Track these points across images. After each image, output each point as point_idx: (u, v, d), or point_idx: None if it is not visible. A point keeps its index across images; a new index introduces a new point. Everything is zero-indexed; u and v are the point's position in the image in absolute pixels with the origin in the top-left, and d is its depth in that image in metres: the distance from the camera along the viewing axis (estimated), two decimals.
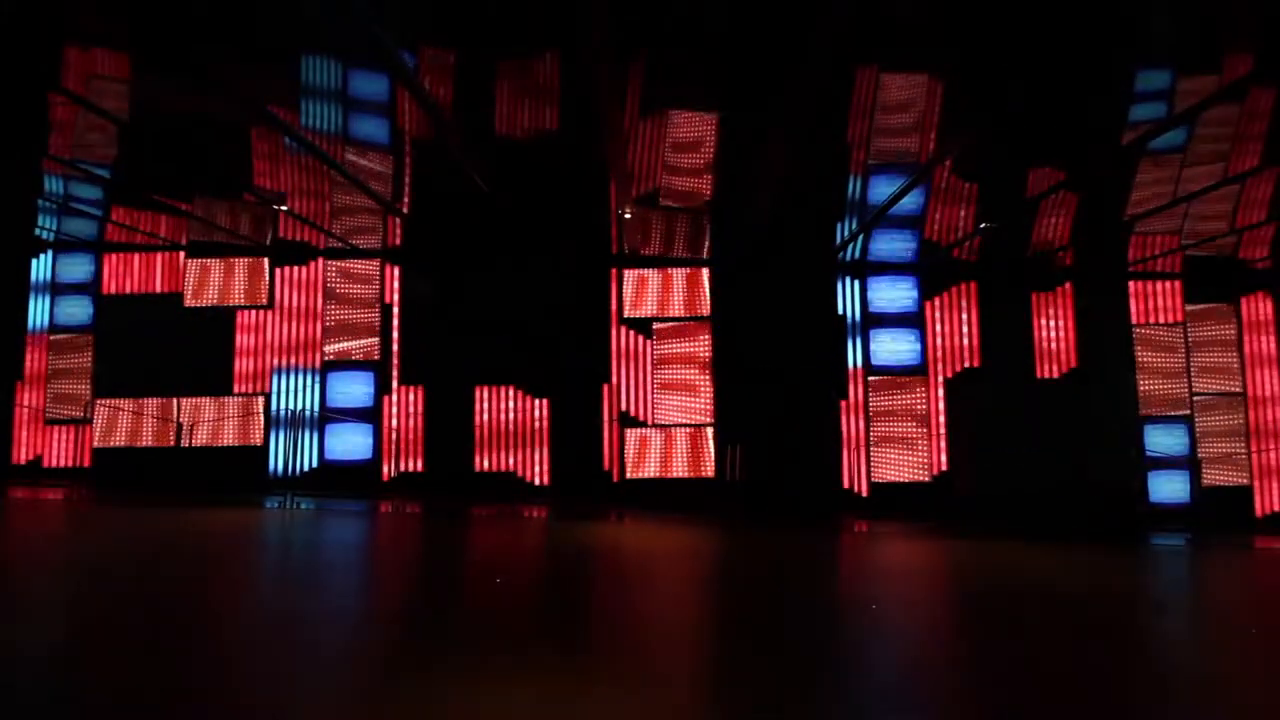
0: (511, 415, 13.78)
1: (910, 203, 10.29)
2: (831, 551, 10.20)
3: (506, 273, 13.98)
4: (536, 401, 13.80)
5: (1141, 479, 13.92)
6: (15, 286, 13.90)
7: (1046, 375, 14.06)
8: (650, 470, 13.82)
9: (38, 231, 13.45)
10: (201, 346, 13.73)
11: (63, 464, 13.68)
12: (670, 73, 7.03)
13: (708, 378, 13.95)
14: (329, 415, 13.73)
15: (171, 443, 13.58)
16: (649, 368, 13.96)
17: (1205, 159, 8.52)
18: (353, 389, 13.82)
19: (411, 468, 13.68)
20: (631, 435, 13.86)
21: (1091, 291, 14.09)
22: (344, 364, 13.87)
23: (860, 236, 12.28)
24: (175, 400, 13.68)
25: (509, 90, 7.56)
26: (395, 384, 13.81)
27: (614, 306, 14.04)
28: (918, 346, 14.13)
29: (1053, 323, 14.13)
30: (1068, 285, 14.16)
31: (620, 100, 7.41)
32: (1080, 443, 13.75)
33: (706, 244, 13.06)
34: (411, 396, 13.77)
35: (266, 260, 13.89)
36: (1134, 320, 14.23)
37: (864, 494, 13.86)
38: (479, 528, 10.99)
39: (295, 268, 13.92)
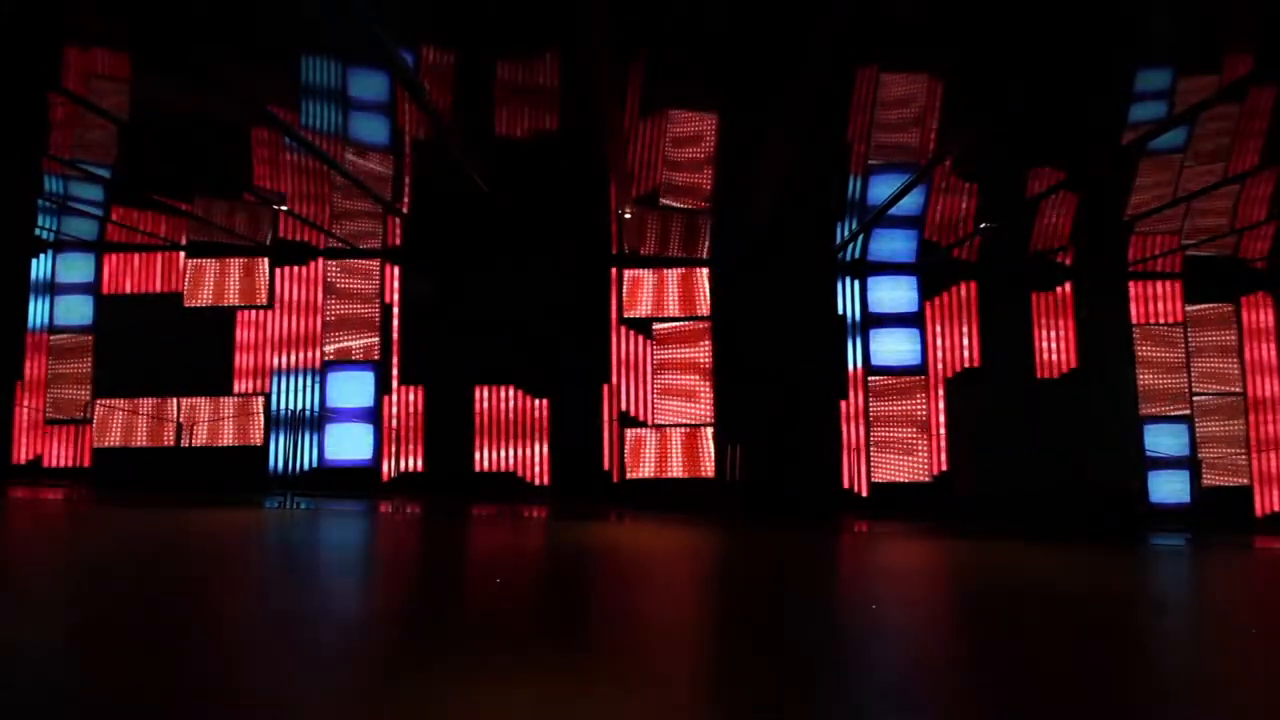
0: (511, 415, 13.78)
1: (910, 203, 10.29)
2: (831, 552, 10.20)
3: (506, 273, 13.98)
4: (536, 401, 13.80)
5: (1141, 479, 13.92)
6: (15, 286, 13.91)
7: (1046, 375, 14.06)
8: (650, 470, 13.82)
9: (38, 231, 13.45)
10: (201, 346, 13.73)
11: (63, 464, 13.68)
12: (670, 73, 7.03)
13: (708, 378, 13.95)
14: (329, 415, 13.73)
15: (171, 443, 13.58)
16: (649, 368, 13.96)
17: (1205, 159, 8.52)
18: (353, 389, 13.82)
19: (411, 468, 13.68)
20: (631, 435, 13.87)
21: (1091, 294, 14.09)
22: (344, 364, 13.87)
23: (860, 236, 12.28)
24: (175, 400, 13.68)
25: (509, 90, 7.56)
26: (395, 384, 13.81)
27: (614, 306, 14.04)
28: (918, 346, 14.13)
29: (1053, 322, 14.13)
30: (1068, 285, 14.16)
31: (620, 100, 7.41)
32: (1080, 443, 13.75)
33: (706, 244, 13.06)
34: (411, 396, 13.78)
35: (266, 260, 13.90)
36: (1134, 320, 14.24)
37: (864, 494, 13.86)
38: (479, 528, 10.99)
39: (295, 268, 13.92)
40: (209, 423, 13.66)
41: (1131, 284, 14.24)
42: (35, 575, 6.86)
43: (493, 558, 8.70)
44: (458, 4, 6.12)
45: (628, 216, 11.21)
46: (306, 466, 13.67)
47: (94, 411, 13.68)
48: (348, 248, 13.71)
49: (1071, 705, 4.38)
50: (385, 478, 13.68)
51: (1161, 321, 14.24)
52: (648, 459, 13.84)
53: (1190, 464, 13.99)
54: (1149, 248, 12.60)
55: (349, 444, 13.73)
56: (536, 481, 13.71)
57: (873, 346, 14.12)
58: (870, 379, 14.06)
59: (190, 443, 13.58)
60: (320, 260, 13.95)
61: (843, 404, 13.98)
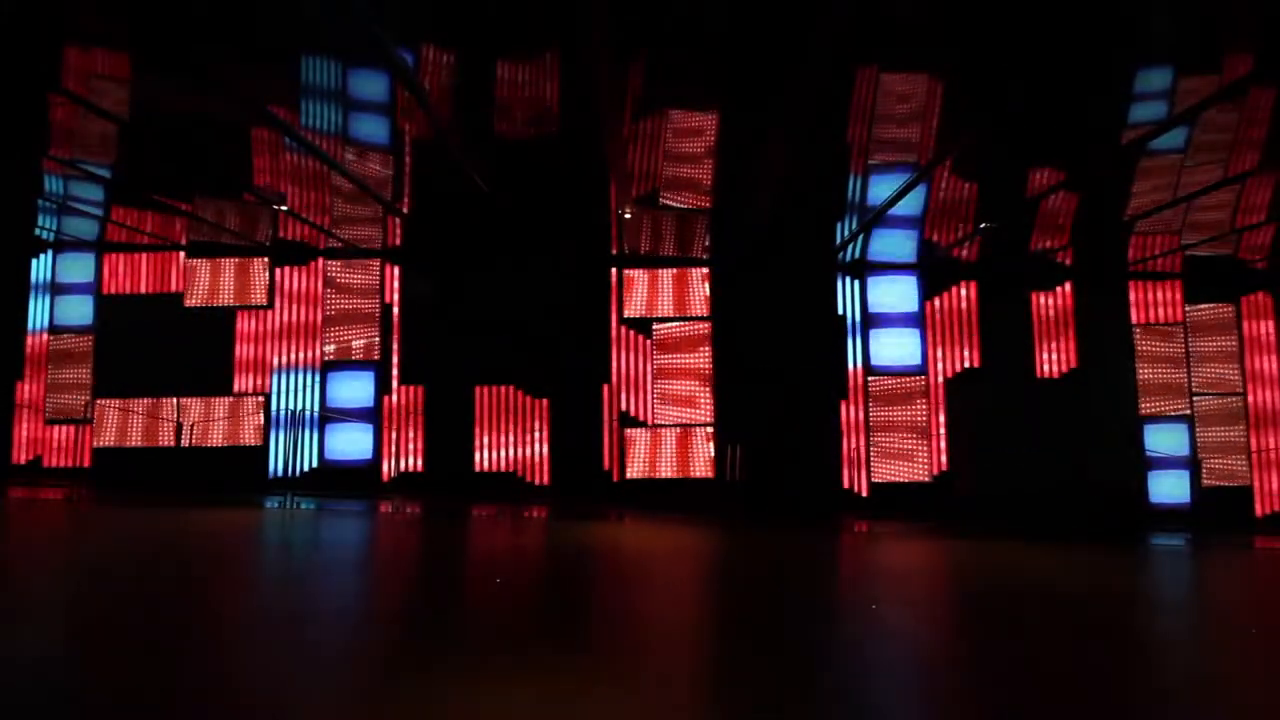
0: (512, 415, 13.78)
1: (910, 203, 10.29)
2: (831, 552, 10.20)
3: (506, 273, 13.99)
4: (536, 401, 13.81)
5: (1141, 479, 13.92)
6: (15, 286, 13.91)
7: (1046, 375, 14.06)
8: (650, 470, 13.83)
9: (38, 231, 13.45)
10: (201, 346, 13.74)
11: (63, 464, 13.68)
12: (670, 73, 7.03)
13: (707, 378, 13.95)
14: (329, 415, 13.73)
15: (171, 443, 13.59)
16: (649, 368, 13.96)
17: (1205, 159, 8.52)
18: (353, 389, 13.83)
19: (411, 468, 13.68)
20: (631, 435, 13.87)
21: (1091, 294, 14.10)
22: (344, 364, 13.88)
23: (860, 236, 12.28)
24: (175, 400, 13.68)
25: (509, 90, 7.56)
26: (395, 384, 13.81)
27: (614, 306, 14.05)
28: (918, 346, 14.14)
29: (1053, 323, 14.13)
30: (1068, 285, 14.16)
31: (620, 100, 7.41)
32: (1080, 443, 13.75)
33: (706, 244, 13.06)
34: (411, 396, 13.78)
35: (266, 260, 13.90)
36: (1134, 320, 14.24)
37: (864, 494, 13.86)
38: (479, 527, 10.99)
39: (295, 268, 13.92)
40: (209, 422, 13.67)
41: (1131, 284, 14.25)
42: (35, 575, 6.86)
43: (493, 558, 8.70)
44: (458, 4, 6.12)
45: (628, 216, 11.21)
46: (306, 466, 13.68)
47: (94, 411, 13.69)
48: (348, 247, 13.71)
49: (1071, 705, 4.38)
50: (385, 478, 13.68)
51: (1161, 321, 14.25)
52: (648, 459, 13.85)
53: (1190, 464, 13.99)
54: (1149, 248, 12.60)
55: (349, 444, 13.73)
56: (536, 481, 13.71)
57: (873, 346, 14.13)
58: (870, 379, 14.06)
59: (190, 442, 13.59)
60: (320, 260, 13.95)
61: (843, 404, 13.99)
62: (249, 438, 13.69)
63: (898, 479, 13.92)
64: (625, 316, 14.04)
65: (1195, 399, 14.11)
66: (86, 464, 13.64)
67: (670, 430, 13.89)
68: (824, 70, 6.58)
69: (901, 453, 13.96)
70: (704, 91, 7.52)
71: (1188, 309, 14.26)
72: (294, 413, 13.70)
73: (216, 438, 13.67)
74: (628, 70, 6.90)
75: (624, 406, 13.88)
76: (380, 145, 9.10)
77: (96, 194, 11.23)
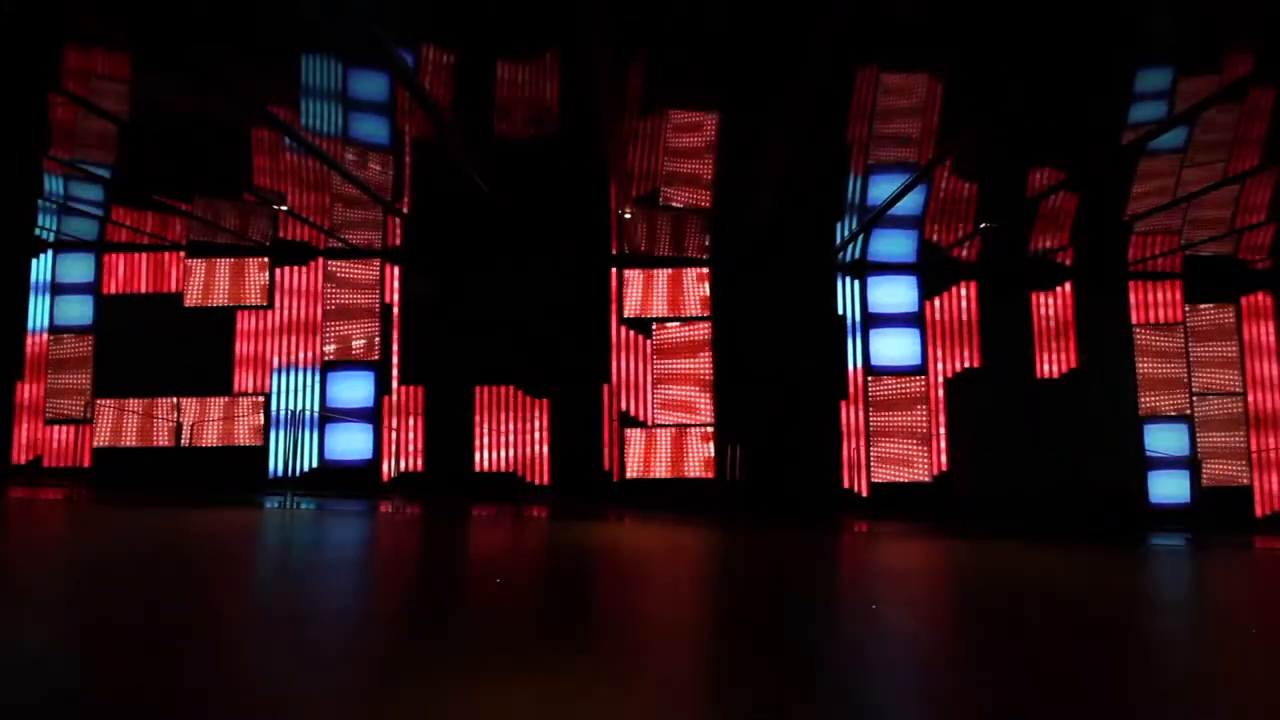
0: (511, 415, 13.78)
1: (910, 203, 10.29)
2: (831, 552, 10.20)
3: (506, 273, 13.99)
4: (536, 401, 13.81)
5: (1141, 479, 13.92)
6: (15, 286, 13.91)
7: (1046, 375, 14.06)
8: (650, 470, 13.83)
9: (38, 231, 13.45)
10: (201, 346, 13.74)
11: (63, 464, 13.68)
12: (670, 73, 7.03)
13: (708, 378, 13.95)
14: (329, 415, 13.73)
15: (171, 443, 13.59)
16: (649, 368, 13.96)
17: (1205, 159, 8.52)
18: (353, 389, 13.83)
19: (411, 468, 13.69)
20: (631, 435, 13.87)
21: (1091, 294, 14.10)
22: (344, 364, 13.88)
23: (860, 236, 12.28)
24: (175, 400, 13.68)
25: (509, 90, 7.56)
26: (395, 384, 13.81)
27: (614, 306, 14.05)
28: (918, 346, 14.14)
29: (1053, 323, 14.14)
30: (1068, 285, 14.16)
31: (620, 100, 7.41)
32: (1080, 443, 13.75)
33: (706, 244, 13.06)
34: (411, 396, 13.78)
35: (266, 260, 13.90)
36: (1134, 320, 14.24)
37: (864, 494, 13.86)
38: (479, 528, 10.99)
39: (295, 268, 13.92)
40: (209, 422, 13.67)
41: (1131, 284, 14.25)
42: (35, 575, 6.86)
43: (492, 557, 8.70)
44: (458, 4, 6.12)
45: (628, 216, 11.21)
46: (306, 466, 13.68)
47: (94, 411, 13.69)
48: (348, 248, 13.72)
49: (1071, 705, 4.38)
50: (385, 478, 13.68)
51: (1161, 321, 14.25)
52: (648, 459, 13.85)
53: (1190, 464, 13.99)
54: (1149, 248, 12.60)
55: (349, 444, 13.74)
56: (536, 481, 13.71)
57: (873, 346, 14.13)
58: (870, 379, 14.06)
59: (190, 442, 13.59)
60: (320, 260, 13.95)
61: (843, 404, 13.99)
62: (249, 438, 13.69)
63: (898, 479, 13.92)
64: (625, 316, 14.04)
65: (1195, 399, 14.11)
66: (86, 464, 13.65)
67: (670, 430, 13.89)
68: (824, 70, 6.58)
69: (901, 453, 13.96)
70: (704, 91, 7.52)
71: (1188, 309, 14.26)
72: (294, 413, 13.70)
73: (216, 438, 13.67)
74: (628, 70, 6.90)
75: (624, 406, 13.88)
76: (380, 145, 9.10)
77: (96, 194, 11.24)
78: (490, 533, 10.62)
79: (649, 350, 14.00)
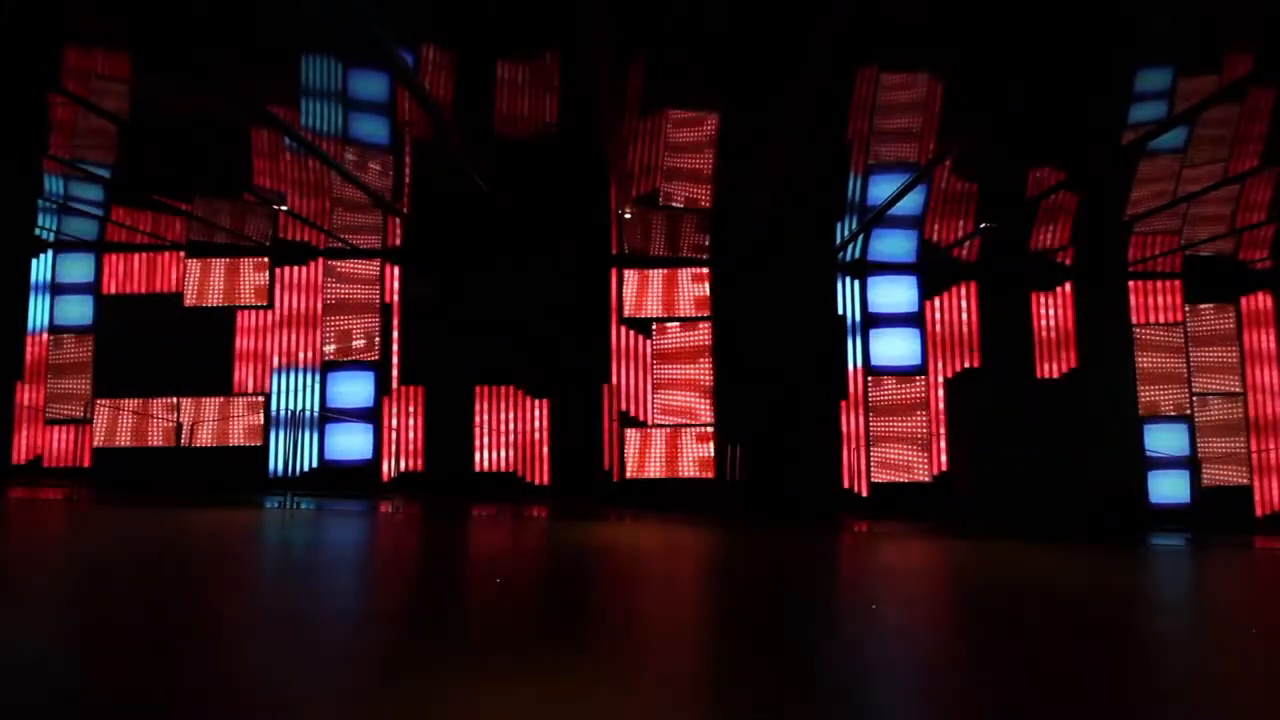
0: (511, 415, 13.78)
1: (910, 203, 10.29)
2: (831, 552, 10.20)
3: (506, 273, 13.99)
4: (536, 401, 13.81)
5: (1141, 479, 13.92)
6: (15, 286, 13.91)
7: (1046, 375, 14.06)
8: (650, 470, 13.83)
9: (38, 231, 13.45)
10: (201, 346, 13.74)
11: (63, 464, 13.68)
12: (670, 73, 7.03)
13: (708, 378, 13.95)
14: (329, 415, 13.73)
15: (171, 443, 13.59)
16: (649, 368, 13.96)
17: (1205, 159, 8.52)
18: (353, 389, 13.83)
19: (411, 468, 13.68)
20: (631, 435, 13.87)
21: (1091, 294, 14.11)
22: (344, 364, 13.88)
23: (860, 236, 12.28)
24: (175, 400, 13.68)
25: (509, 90, 7.56)
26: (395, 384, 13.81)
27: (614, 306, 14.05)
28: (918, 347, 14.14)
29: (1053, 323, 14.14)
30: (1068, 285, 14.16)
31: (620, 100, 7.41)
32: (1080, 443, 13.75)
33: (706, 244, 13.06)
34: (411, 396, 13.78)
35: (267, 260, 13.90)
36: (1134, 320, 14.24)
37: (864, 494, 13.86)
38: (479, 528, 10.99)
39: (295, 268, 13.92)
40: (209, 422, 13.67)
41: (1131, 284, 14.25)
42: (35, 575, 6.85)
43: (493, 558, 8.70)
44: (458, 4, 6.12)
45: (628, 216, 11.21)
46: (306, 466, 13.68)
47: (94, 411, 13.69)
48: (348, 248, 13.72)
49: (1071, 705, 4.38)
50: (385, 478, 13.68)
51: (1161, 321, 14.25)
52: (648, 459, 13.84)
53: (1190, 464, 13.99)
54: (1149, 248, 12.60)
55: (349, 444, 13.74)
56: (536, 481, 13.71)
57: (873, 346, 14.13)
58: (870, 379, 14.06)
59: (190, 442, 13.59)
60: (320, 260, 13.95)
61: (843, 404, 13.99)
62: (249, 438, 13.69)
63: (897, 479, 13.92)
64: (625, 316, 14.04)
65: (1195, 399, 14.11)
66: (86, 464, 13.65)
67: (670, 430, 13.89)
68: (824, 70, 6.58)
69: (901, 453, 13.96)
70: (704, 91, 7.52)
71: (1188, 309, 14.26)
72: (294, 413, 13.70)
73: (216, 438, 13.67)
74: (628, 70, 6.90)
75: (624, 406, 13.89)
76: (380, 145, 9.10)
77: (96, 194, 11.24)
78: (490, 533, 10.61)
79: (649, 350, 14.00)
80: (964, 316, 14.14)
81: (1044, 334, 14.11)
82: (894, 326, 14.17)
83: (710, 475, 13.74)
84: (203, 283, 13.92)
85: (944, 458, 13.93)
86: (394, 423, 13.73)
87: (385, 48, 6.51)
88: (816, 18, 5.80)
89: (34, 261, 14.01)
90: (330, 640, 5.08)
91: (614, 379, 13.93)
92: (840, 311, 14.16)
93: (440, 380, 13.77)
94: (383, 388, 13.80)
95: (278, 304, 13.89)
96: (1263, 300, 14.25)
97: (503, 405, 13.79)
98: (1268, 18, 5.87)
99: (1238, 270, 13.75)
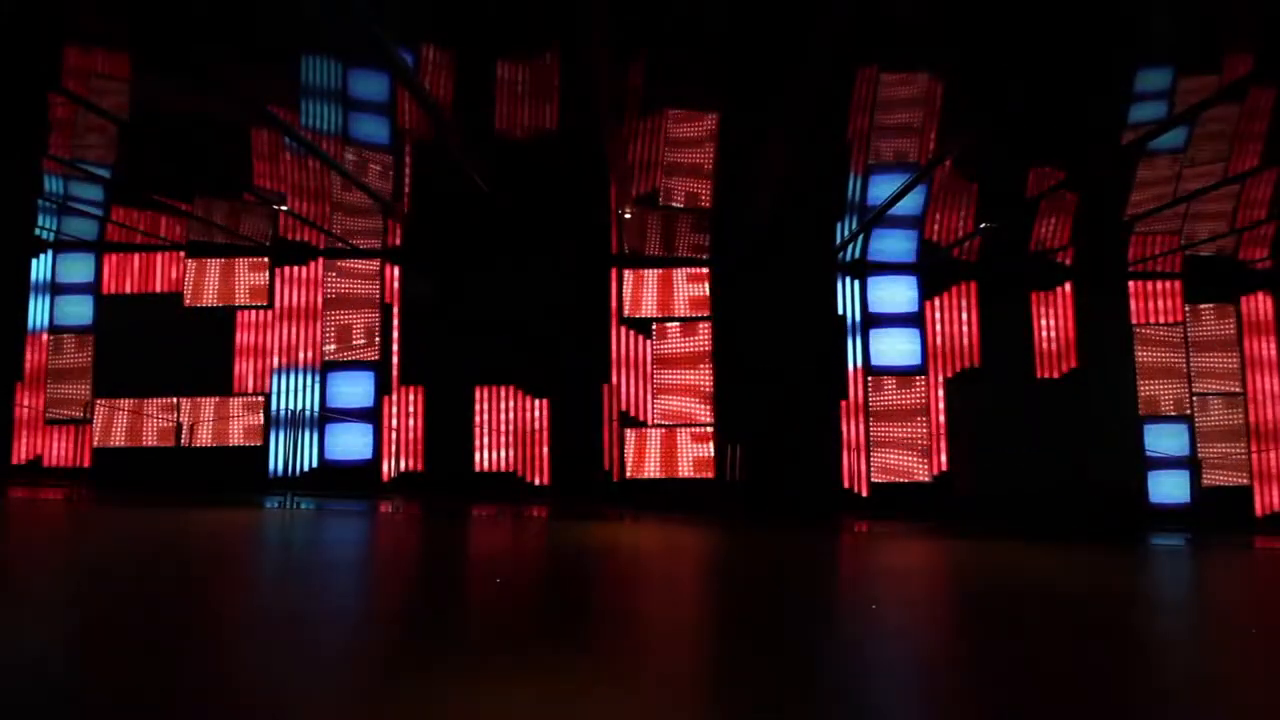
0: (511, 415, 13.78)
1: (910, 203, 10.29)
2: (831, 552, 10.20)
3: (506, 273, 13.99)
4: (536, 401, 13.81)
5: (1141, 479, 13.92)
6: (15, 286, 13.91)
7: (1046, 375, 14.06)
8: (650, 470, 13.83)
9: (38, 231, 13.45)
10: (201, 346, 13.74)
11: (63, 464, 13.68)
12: (670, 73, 7.03)
13: (708, 378, 13.95)
14: (329, 415, 13.73)
15: (171, 443, 13.58)
16: (649, 368, 13.96)
17: (1205, 159, 8.52)
18: (353, 389, 13.83)
19: (411, 468, 13.68)
20: (631, 435, 13.87)
21: (1091, 294, 14.11)
22: (344, 364, 13.88)
23: (860, 236, 12.28)
24: (175, 400, 13.68)
25: (509, 90, 7.56)
26: (395, 384, 13.81)
27: (614, 306, 14.05)
28: (918, 347, 14.14)
29: (1053, 323, 14.14)
30: (1068, 285, 14.16)
31: (620, 100, 7.41)
32: (1080, 443, 13.75)
33: (706, 244, 13.06)
34: (411, 396, 13.78)
35: (267, 260, 13.90)
36: (1134, 320, 14.24)
37: (864, 494, 13.86)
38: (479, 528, 10.99)
39: (295, 268, 13.92)
40: (209, 422, 13.67)
41: (1131, 284, 14.25)
42: (35, 575, 6.85)
43: (493, 558, 8.70)
44: (458, 4, 6.12)
45: (628, 216, 11.21)
46: (306, 466, 13.68)
47: (94, 411, 13.69)
48: (348, 248, 13.71)
49: (1071, 705, 4.38)
50: (385, 478, 13.68)
51: (1161, 321, 14.25)
52: (648, 459, 13.84)
53: (1190, 464, 13.99)
54: (1149, 248, 12.60)
55: (349, 444, 13.74)
56: (536, 481, 13.71)
57: (873, 346, 14.13)
58: (870, 379, 14.06)
59: (190, 442, 13.59)
60: (320, 260, 13.95)
61: (843, 404, 13.99)
62: (249, 438, 13.69)
63: (898, 479, 13.92)
64: (625, 316, 14.04)
65: (1195, 398, 14.11)
66: (86, 464, 13.64)
67: (670, 430, 13.89)
68: (824, 70, 6.58)
69: (902, 452, 13.96)
70: (704, 91, 7.52)
71: (1187, 309, 14.26)
72: (294, 413, 13.70)
73: (216, 437, 13.67)
74: (628, 70, 6.90)
75: (624, 406, 13.88)
76: (380, 145, 9.10)
77: (96, 194, 11.24)
78: (490, 533, 10.61)
79: (649, 350, 14.00)
80: (964, 316, 14.14)
81: (1044, 334, 14.11)
82: (894, 326, 14.17)
83: (710, 475, 13.74)
84: (203, 283, 13.92)
85: (944, 458, 13.92)
86: (394, 423, 13.73)
87: (385, 48, 6.51)
88: (816, 18, 5.80)
89: (34, 261, 14.00)
90: (330, 640, 5.08)
91: (614, 379, 13.93)
92: (840, 311, 14.16)
93: (440, 380, 13.77)
94: (383, 388, 13.79)
95: (278, 304, 13.88)
96: (1263, 300, 14.24)
97: (503, 405, 13.79)
98: (1268, 18, 5.87)
99: (1238, 270, 13.74)
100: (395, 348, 13.87)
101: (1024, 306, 14.15)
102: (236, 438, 13.67)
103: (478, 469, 13.68)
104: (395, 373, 13.82)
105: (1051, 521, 13.11)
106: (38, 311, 13.95)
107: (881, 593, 7.44)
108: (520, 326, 13.86)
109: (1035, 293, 14.16)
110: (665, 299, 14.07)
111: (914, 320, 14.19)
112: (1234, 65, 6.55)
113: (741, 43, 6.50)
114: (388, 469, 13.70)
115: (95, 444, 13.68)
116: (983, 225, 11.26)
